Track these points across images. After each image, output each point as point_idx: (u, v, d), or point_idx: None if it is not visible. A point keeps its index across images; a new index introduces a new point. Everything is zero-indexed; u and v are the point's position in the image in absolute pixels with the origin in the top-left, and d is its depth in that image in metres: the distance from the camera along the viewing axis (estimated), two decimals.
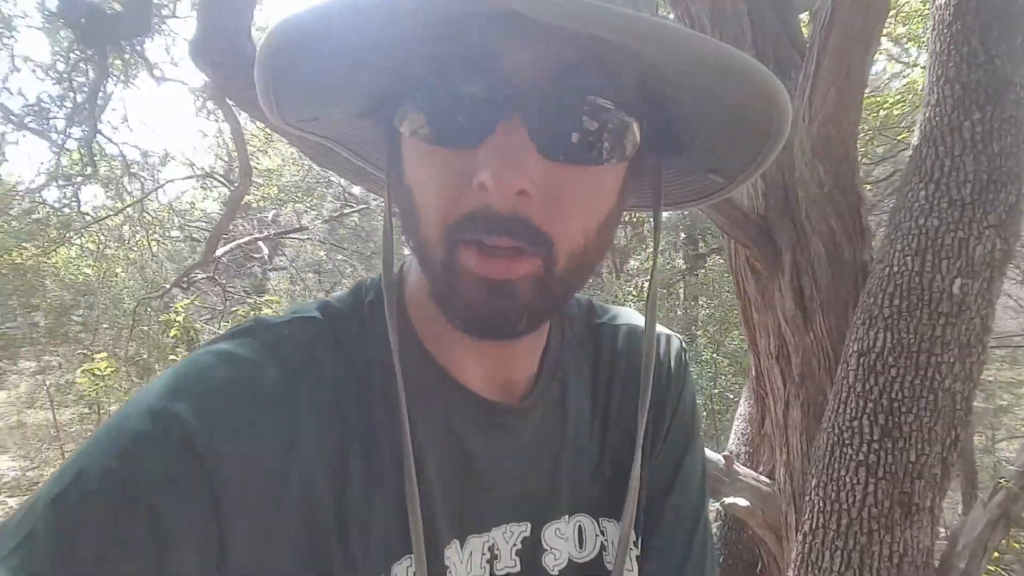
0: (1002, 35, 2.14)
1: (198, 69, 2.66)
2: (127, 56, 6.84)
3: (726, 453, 2.96)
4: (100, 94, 6.66)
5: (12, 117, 6.86)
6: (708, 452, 3.16)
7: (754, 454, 3.18)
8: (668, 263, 8.10)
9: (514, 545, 0.66)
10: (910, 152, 2.37)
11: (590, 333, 0.75)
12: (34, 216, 8.14)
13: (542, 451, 0.68)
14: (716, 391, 5.77)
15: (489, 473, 0.63)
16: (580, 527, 0.69)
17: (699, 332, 6.98)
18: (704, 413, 5.68)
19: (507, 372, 0.66)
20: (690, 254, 8.35)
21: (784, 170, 2.72)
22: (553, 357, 0.69)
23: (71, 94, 6.76)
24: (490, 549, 0.63)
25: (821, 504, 2.22)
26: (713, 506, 3.04)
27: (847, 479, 2.17)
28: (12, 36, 6.79)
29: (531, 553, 0.67)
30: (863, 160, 5.20)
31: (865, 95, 2.65)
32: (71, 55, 6.72)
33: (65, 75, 6.76)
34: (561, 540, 0.68)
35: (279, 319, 0.60)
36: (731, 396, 5.73)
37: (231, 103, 5.42)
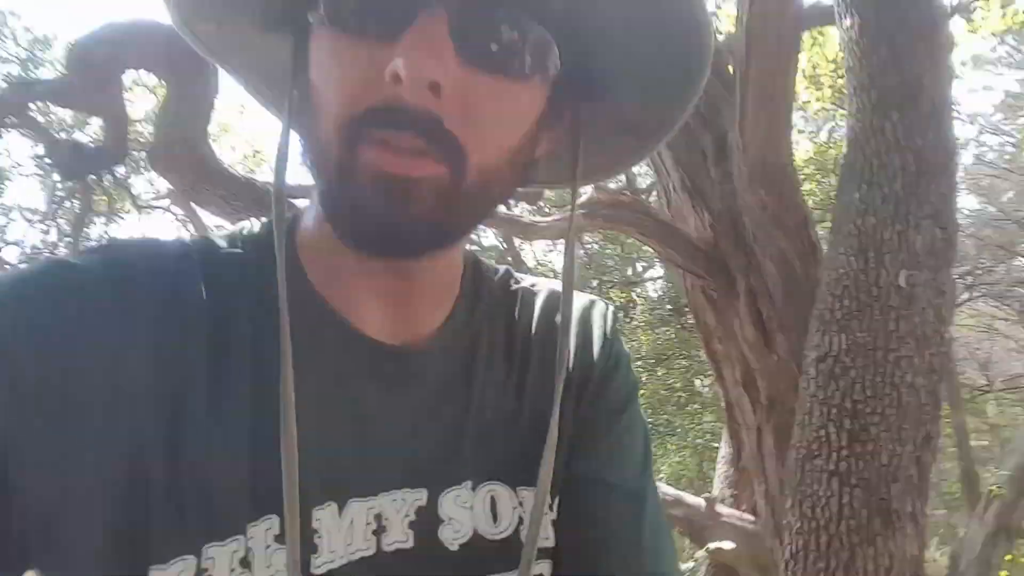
0: (907, 41, 2.25)
1: (159, 175, 2.75)
2: (111, 189, 7.06)
3: (706, 495, 2.80)
4: (84, 230, 6.84)
5: (7, 267, 7.05)
6: (689, 497, 2.99)
7: (738, 496, 3.01)
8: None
9: (407, 515, 0.56)
10: (842, 161, 2.42)
11: (507, 296, 0.68)
12: None
13: (445, 407, 0.60)
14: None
15: (379, 427, 0.56)
16: (493, 498, 0.60)
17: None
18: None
19: (408, 315, 0.59)
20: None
21: (727, 198, 2.77)
22: (465, 308, 0.63)
23: (63, 238, 6.98)
24: (376, 518, 0.54)
25: (799, 524, 2.08)
26: (699, 554, 2.83)
27: (820, 493, 2.04)
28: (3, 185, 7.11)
29: (427, 525, 0.57)
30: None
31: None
32: (56, 193, 6.98)
33: (49, 215, 7.00)
34: (463, 510, 0.58)
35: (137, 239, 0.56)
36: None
37: (195, 207, 5.56)
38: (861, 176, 2.23)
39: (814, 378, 2.14)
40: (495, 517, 0.58)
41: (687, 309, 4.13)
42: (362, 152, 0.45)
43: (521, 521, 0.58)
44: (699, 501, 2.77)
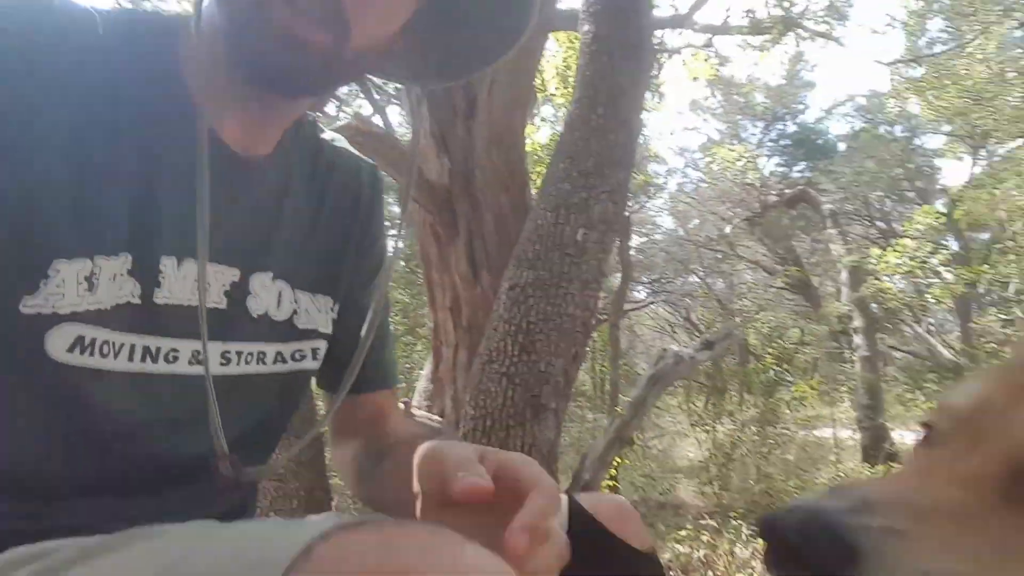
0: (622, 54, 2.87)
1: None
2: None
3: (404, 400, 3.26)
4: None
5: None
6: None
7: (431, 405, 3.54)
8: None
9: (223, 285, 0.77)
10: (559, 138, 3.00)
11: (317, 139, 0.91)
12: None
13: (265, 210, 0.80)
14: None
15: (219, 212, 0.71)
16: (280, 292, 0.85)
17: None
18: None
19: (258, 135, 0.76)
20: None
21: (467, 153, 3.21)
22: (294, 137, 0.82)
23: None
24: (200, 278, 0.71)
25: (473, 412, 2.61)
26: None
27: (493, 389, 2.59)
28: None
29: (238, 295, 0.78)
30: None
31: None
32: None
33: None
34: (264, 291, 0.81)
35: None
36: None
37: None
38: (568, 151, 2.82)
39: (504, 302, 2.68)
40: (279, 304, 0.86)
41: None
42: (274, 10, 0.58)
43: (295, 312, 0.89)
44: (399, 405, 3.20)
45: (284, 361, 0.90)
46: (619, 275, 6.87)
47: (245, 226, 0.78)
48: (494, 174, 2.95)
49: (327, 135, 0.94)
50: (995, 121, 11.17)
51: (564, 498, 1.08)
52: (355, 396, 1.03)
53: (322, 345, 0.93)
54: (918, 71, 11.53)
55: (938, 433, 0.55)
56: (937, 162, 17.06)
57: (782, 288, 16.66)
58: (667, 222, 19.21)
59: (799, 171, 16.09)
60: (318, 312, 0.93)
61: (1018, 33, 10.18)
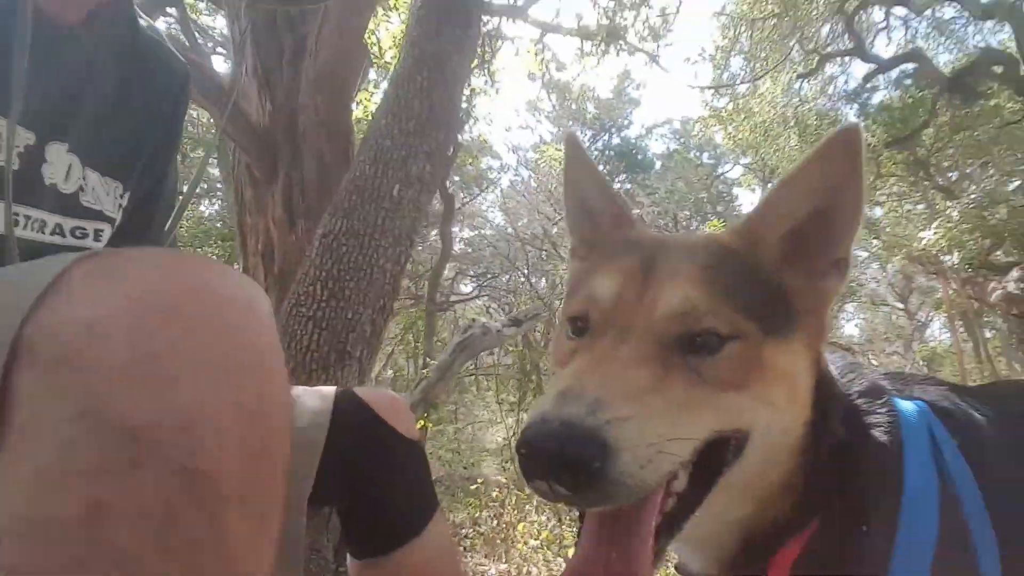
0: (451, 21, 3.00)
1: None
2: None
3: None
4: None
5: None
6: None
7: None
8: None
9: (17, 147, 0.77)
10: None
11: (134, 23, 0.93)
12: None
13: (71, 79, 0.81)
14: None
15: (34, 75, 0.73)
16: (71, 165, 0.85)
17: None
18: None
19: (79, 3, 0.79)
20: None
21: (291, 96, 3.16)
22: (112, 15, 0.85)
23: None
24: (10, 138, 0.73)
25: None
26: None
27: (299, 332, 2.60)
28: None
29: (31, 159, 0.79)
30: None
31: None
32: None
33: None
34: (58, 160, 0.82)
35: None
36: None
37: None
38: (391, 108, 2.90)
39: (317, 248, 2.70)
40: (67, 176, 0.89)
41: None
42: None
43: (82, 189, 0.90)
44: None
45: (63, 235, 0.91)
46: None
47: (49, 91, 0.79)
48: (318, 121, 2.94)
49: (145, 22, 0.98)
50: (778, 158, 12.99)
51: (331, 391, 1.18)
52: None
53: (106, 229, 0.96)
54: (723, 101, 13.06)
55: (592, 323, 0.73)
56: (735, 190, 19.45)
57: None
58: (497, 217, 19.74)
59: (620, 182, 17.51)
60: (106, 195, 0.95)
61: (798, 84, 11.93)
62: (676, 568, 0.86)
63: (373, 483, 1.12)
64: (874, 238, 13.73)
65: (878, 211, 14.38)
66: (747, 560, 0.77)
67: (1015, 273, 12.43)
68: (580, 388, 0.61)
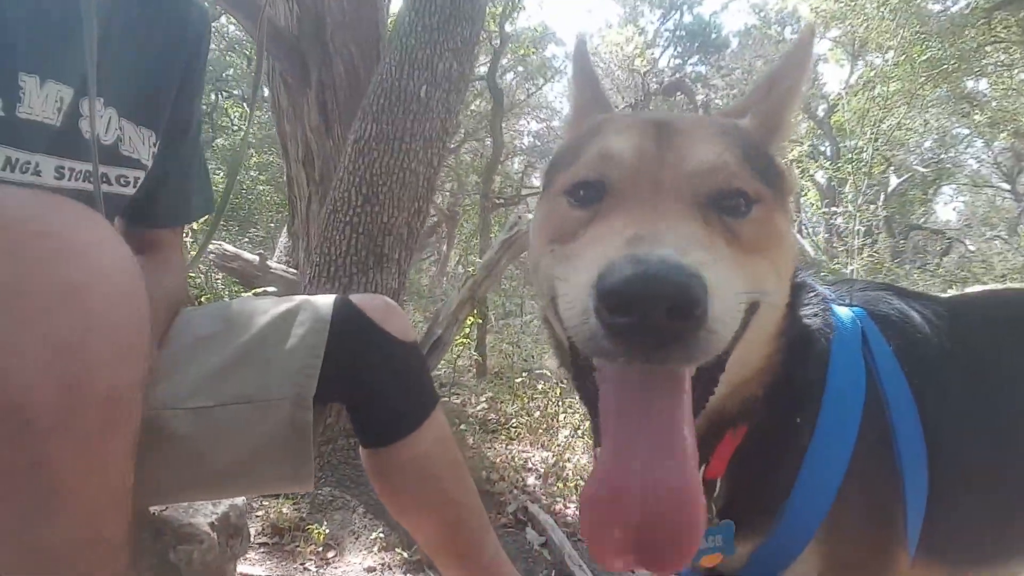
0: None
1: None
2: None
3: (260, 252, 3.31)
4: None
5: None
6: (245, 254, 3.49)
7: (290, 260, 3.62)
8: None
9: (56, 102, 0.82)
10: None
11: None
12: None
13: (97, 30, 0.83)
14: None
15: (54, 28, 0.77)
16: (110, 118, 0.90)
17: None
18: None
19: None
20: None
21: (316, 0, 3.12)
22: None
23: None
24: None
25: (318, 259, 2.74)
26: (245, 294, 3.40)
27: (337, 238, 2.71)
28: None
29: (71, 115, 0.83)
30: None
31: None
32: None
33: None
34: (98, 117, 0.86)
35: None
36: None
37: None
38: (414, 4, 2.82)
39: (349, 154, 2.75)
40: (107, 129, 0.94)
41: None
42: None
43: (119, 139, 0.97)
44: (254, 257, 3.26)
45: (109, 183, 1.00)
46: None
47: (79, 43, 0.82)
48: (344, 22, 2.90)
49: None
50: (867, 29, 11.77)
51: (330, 300, 1.26)
52: (146, 229, 1.15)
53: (141, 176, 1.03)
54: None
55: (611, 185, 0.66)
56: (821, 67, 17.90)
57: None
58: (565, 108, 19.11)
59: (692, 64, 16.45)
60: (141, 144, 1.02)
61: None
62: None
63: (370, 383, 1.22)
64: (976, 113, 12.48)
65: (983, 83, 12.96)
66: (704, 444, 0.74)
67: None
68: (653, 235, 0.54)
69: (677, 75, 12.79)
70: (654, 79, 12.81)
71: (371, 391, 1.23)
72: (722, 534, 0.79)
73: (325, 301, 1.24)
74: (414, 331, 1.35)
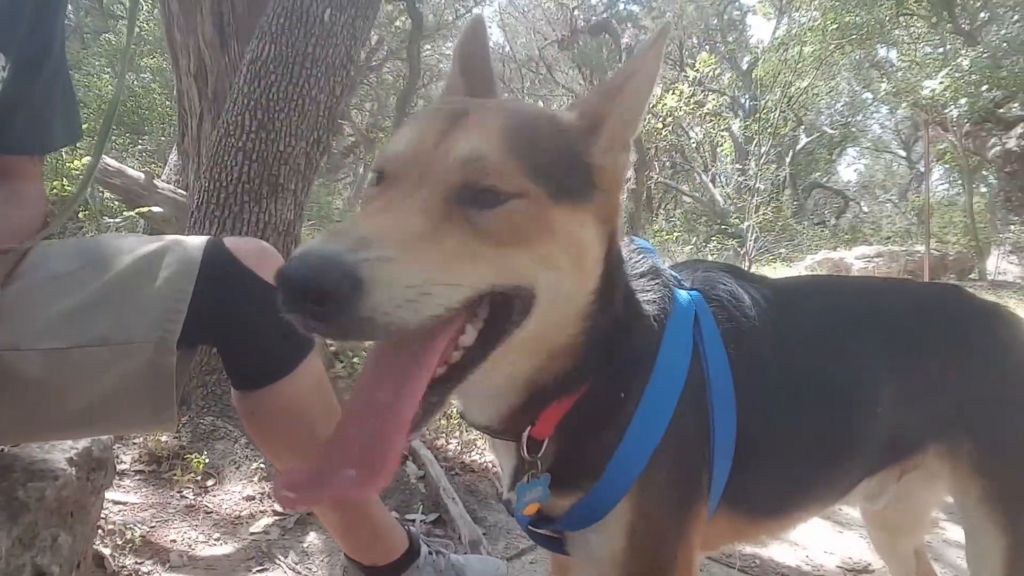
0: None
1: None
2: None
3: (145, 171, 3.13)
4: None
5: None
6: (130, 171, 3.29)
7: (180, 179, 3.44)
8: None
9: None
10: None
11: None
12: None
13: None
14: None
15: None
16: None
17: None
18: None
19: None
20: None
21: None
22: None
23: None
24: None
25: (207, 184, 2.62)
26: (127, 213, 3.22)
27: (228, 163, 2.59)
28: None
29: None
30: None
31: None
32: None
33: None
34: None
35: None
36: None
37: None
38: None
39: (244, 75, 2.60)
40: None
41: None
42: None
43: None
44: (139, 175, 3.08)
45: None
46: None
47: None
48: None
49: None
50: None
51: (201, 242, 1.23)
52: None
53: None
54: None
55: (389, 176, 0.73)
56: (749, 19, 18.11)
57: None
58: (495, 35, 18.61)
59: (624, 3, 16.24)
60: None
61: None
62: (461, 416, 0.97)
63: (240, 328, 1.22)
64: (882, 82, 13.12)
65: (893, 53, 13.60)
66: (523, 412, 0.85)
67: (1019, 129, 12.08)
68: (351, 229, 0.64)
69: (606, 14, 12.61)
70: (582, 16, 12.61)
71: (242, 336, 1.24)
72: (540, 486, 0.88)
73: (196, 243, 1.22)
74: None
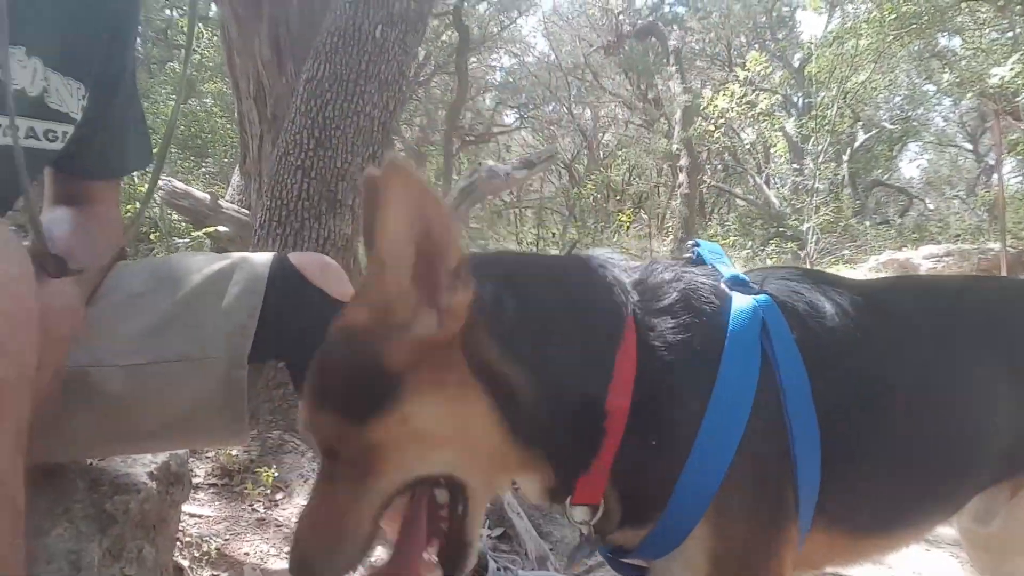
0: None
1: None
2: None
3: (210, 192, 3.24)
4: None
5: None
6: (196, 192, 3.41)
7: (242, 199, 3.55)
8: None
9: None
10: None
11: None
12: None
13: None
14: None
15: None
16: (35, 69, 0.84)
17: None
18: None
19: None
20: None
21: None
22: None
23: None
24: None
25: (269, 203, 2.69)
26: (195, 233, 3.33)
27: (288, 181, 2.65)
28: None
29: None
30: None
31: None
32: None
33: None
34: (18, 66, 0.82)
35: None
36: None
37: None
38: None
39: (301, 94, 2.66)
40: (32, 80, 0.90)
41: None
42: None
43: (45, 91, 0.92)
44: (205, 196, 3.18)
45: (37, 138, 0.96)
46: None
47: None
48: None
49: None
50: None
51: (267, 258, 1.25)
52: (78, 180, 1.12)
53: (70, 130, 0.99)
54: None
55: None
56: (799, 15, 17.68)
57: (641, 125, 17.18)
58: (540, 44, 18.57)
59: (671, 3, 16.06)
60: (69, 96, 0.97)
61: None
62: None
63: (305, 341, 1.23)
64: (944, 72, 12.54)
65: (956, 41, 12.97)
66: (556, 490, 0.84)
67: None
68: (302, 534, 0.80)
69: (651, 17, 12.49)
70: (627, 21, 12.51)
71: (308, 350, 1.25)
72: (600, 550, 0.90)
73: (262, 259, 1.24)
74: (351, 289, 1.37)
